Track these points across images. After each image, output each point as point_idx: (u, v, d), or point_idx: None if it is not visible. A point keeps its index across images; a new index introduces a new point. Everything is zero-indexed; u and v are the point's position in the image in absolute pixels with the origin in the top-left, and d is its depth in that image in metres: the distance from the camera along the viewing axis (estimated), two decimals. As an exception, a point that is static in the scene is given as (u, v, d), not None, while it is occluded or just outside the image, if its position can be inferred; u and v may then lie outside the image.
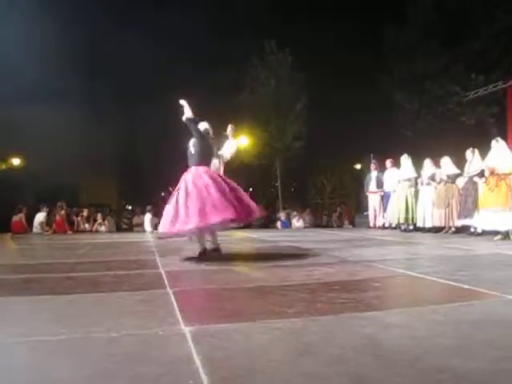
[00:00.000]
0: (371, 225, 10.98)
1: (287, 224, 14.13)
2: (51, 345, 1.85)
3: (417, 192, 9.16)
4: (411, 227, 9.18)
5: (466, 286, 2.87)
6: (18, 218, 11.79)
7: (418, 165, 9.29)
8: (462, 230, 7.91)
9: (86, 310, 2.49)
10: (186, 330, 1.99)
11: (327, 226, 16.93)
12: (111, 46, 18.31)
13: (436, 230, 8.48)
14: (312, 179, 27.50)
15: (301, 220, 14.03)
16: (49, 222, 12.10)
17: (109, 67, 19.09)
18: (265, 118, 18.76)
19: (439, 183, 8.49)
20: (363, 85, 19.24)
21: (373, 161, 11.76)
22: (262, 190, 26.51)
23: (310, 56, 18.78)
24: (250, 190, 27.94)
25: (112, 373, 1.51)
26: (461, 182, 8.08)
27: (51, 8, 16.28)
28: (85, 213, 13.36)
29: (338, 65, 19.65)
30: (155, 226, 9.82)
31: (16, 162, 20.96)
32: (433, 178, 8.65)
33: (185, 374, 1.49)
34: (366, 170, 13.50)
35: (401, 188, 9.37)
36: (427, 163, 8.94)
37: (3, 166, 20.73)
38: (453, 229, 8.18)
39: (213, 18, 19.20)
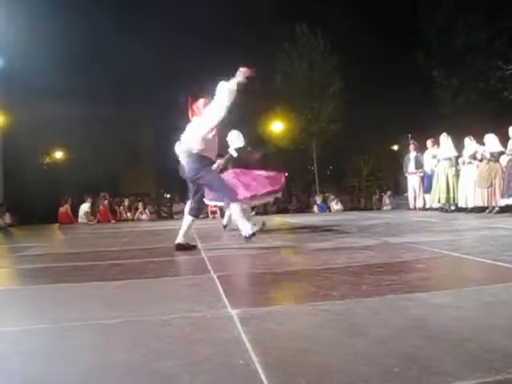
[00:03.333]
0: (411, 206, 10.78)
1: (324, 207, 14.05)
2: (106, 328, 1.94)
3: (458, 171, 8.91)
4: (453, 207, 8.95)
5: (514, 266, 2.80)
6: (64, 209, 12.26)
7: (457, 144, 9.01)
8: (507, 210, 7.65)
9: (136, 295, 2.59)
10: (233, 312, 2.03)
11: (365, 208, 16.74)
12: (148, 40, 18.50)
13: (479, 209, 8.23)
14: (348, 162, 27.13)
15: (339, 203, 13.92)
16: (93, 212, 12.52)
17: (143, 62, 19.32)
18: (299, 102, 18.60)
19: (481, 161, 8.21)
20: (399, 62, 18.69)
21: (412, 141, 11.49)
22: (298, 174, 26.38)
23: (342, 37, 18.37)
24: (286, 174, 27.91)
25: (165, 353, 1.58)
26: (504, 160, 7.79)
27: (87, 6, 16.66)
28: (126, 202, 13.74)
29: (372, 44, 19.16)
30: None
31: (59, 155, 21.71)
32: (474, 156, 8.37)
33: (235, 354, 1.53)
34: (403, 151, 13.21)
35: (441, 168, 9.13)
36: (468, 141, 8.66)
37: (47, 160, 21.51)
38: (497, 208, 7.91)
39: (242, 4, 19.01)
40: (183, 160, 5.15)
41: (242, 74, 4.31)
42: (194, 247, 4.52)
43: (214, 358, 1.51)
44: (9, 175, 13.81)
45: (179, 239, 4.43)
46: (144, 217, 13.20)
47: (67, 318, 2.10)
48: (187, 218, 4.54)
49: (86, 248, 5.17)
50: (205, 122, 4.42)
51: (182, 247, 4.36)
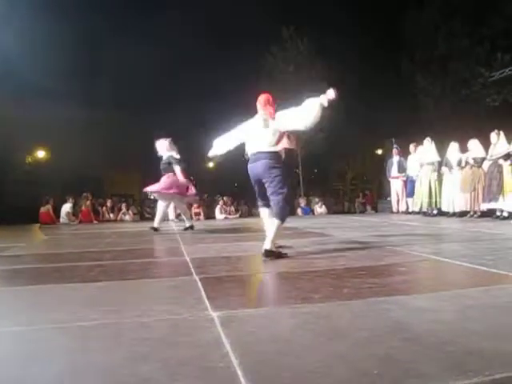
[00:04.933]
0: (394, 210, 10.89)
1: (307, 210, 14.10)
2: (83, 330, 1.91)
3: (440, 176, 9.03)
4: (435, 212, 9.06)
5: (494, 270, 2.84)
6: (46, 209, 12.07)
7: (440, 149, 9.13)
8: (488, 214, 7.78)
9: (117, 297, 2.56)
10: (214, 315, 2.02)
11: (349, 211, 16.85)
12: (140, 40, 18.36)
13: (460, 214, 8.35)
14: (333, 165, 27.28)
15: (323, 206, 13.98)
16: (75, 212, 12.36)
17: (132, 63, 19.18)
18: (284, 106, 18.65)
19: (464, 167, 8.33)
20: (383, 69, 18.90)
21: (395, 145, 11.60)
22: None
23: (328, 42, 18.51)
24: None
25: (145, 356, 1.56)
26: (486, 165, 7.92)
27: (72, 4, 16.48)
28: (109, 203, 13.60)
29: (356, 49, 19.33)
30: (178, 215, 9.93)
31: (41, 154, 21.38)
32: (459, 162, 8.49)
33: (215, 357, 1.52)
34: (387, 156, 13.34)
35: (424, 172, 9.24)
36: (453, 147, 8.78)
37: (29, 159, 21.18)
38: (478, 213, 8.04)
39: (230, 5, 19.01)
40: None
41: (330, 95, 4.14)
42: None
43: (194, 361, 1.50)
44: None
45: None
46: (127, 217, 13.08)
47: (44, 320, 2.06)
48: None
49: (66, 249, 5.10)
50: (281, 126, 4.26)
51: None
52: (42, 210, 12.08)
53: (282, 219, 3.85)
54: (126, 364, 1.49)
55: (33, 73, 13.90)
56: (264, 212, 4.21)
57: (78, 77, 17.19)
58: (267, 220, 4.12)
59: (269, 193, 3.95)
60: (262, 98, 4.41)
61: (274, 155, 4.03)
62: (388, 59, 18.78)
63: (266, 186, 3.96)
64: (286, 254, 3.80)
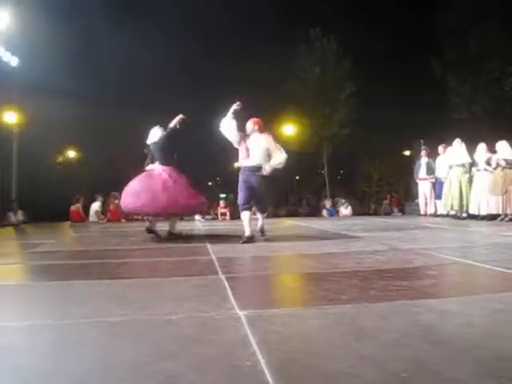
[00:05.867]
0: (422, 212, 10.69)
1: (333, 212, 13.99)
2: (112, 326, 1.95)
3: (470, 178, 8.83)
4: (464, 214, 8.86)
5: (526, 275, 2.76)
6: (76, 207, 12.37)
7: (471, 150, 8.92)
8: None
9: (144, 294, 2.60)
10: (241, 314, 2.03)
11: (375, 213, 16.65)
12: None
13: (491, 217, 8.14)
14: (359, 167, 27.01)
15: (349, 207, 13.85)
16: (104, 210, 12.60)
17: (158, 62, 19.41)
18: (311, 106, 18.56)
19: (495, 168, 8.12)
20: (413, 68, 18.59)
21: (423, 147, 11.39)
22: (308, 178, 26.33)
23: (356, 42, 18.35)
24: (297, 178, 27.84)
25: (172, 353, 1.58)
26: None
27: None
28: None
29: (385, 49, 19.11)
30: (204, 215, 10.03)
31: (72, 154, 21.89)
32: (488, 162, 8.28)
33: (242, 355, 1.53)
34: (415, 157, 13.11)
35: (453, 174, 9.05)
36: (481, 148, 8.57)
37: (60, 159, 21.70)
38: (510, 216, 7.82)
39: (258, 7, 19.02)
40: None
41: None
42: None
43: (220, 359, 1.51)
44: (22, 173, 13.96)
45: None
46: (154, 217, 13.24)
47: (75, 315, 2.11)
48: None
49: (95, 246, 5.20)
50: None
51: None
52: (73, 208, 12.38)
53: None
54: (154, 360, 1.52)
55: (62, 74, 14.23)
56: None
57: (107, 78, 17.51)
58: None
59: None
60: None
61: None
62: (418, 60, 18.47)
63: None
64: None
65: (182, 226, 8.19)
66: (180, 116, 6.06)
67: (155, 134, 6.17)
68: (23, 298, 2.68)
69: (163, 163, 5.94)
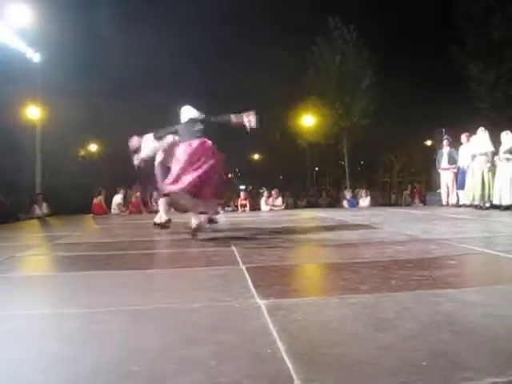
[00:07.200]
0: (444, 203, 10.56)
1: (354, 203, 13.91)
2: (137, 313, 2.00)
3: (494, 167, 8.65)
4: (487, 204, 8.70)
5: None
6: (98, 200, 12.59)
7: (494, 139, 8.74)
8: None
9: (167, 283, 2.65)
10: (261, 303, 2.06)
11: (396, 204, 16.48)
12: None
13: (515, 207, 7.98)
14: (380, 157, 26.75)
15: (368, 198, 13.73)
16: (125, 203, 12.79)
17: (178, 56, 19.48)
18: (330, 97, 18.41)
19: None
20: (433, 57, 18.28)
21: (445, 136, 11.21)
22: (329, 168, 26.22)
23: (375, 31, 18.10)
24: (317, 169, 27.72)
25: (195, 340, 1.61)
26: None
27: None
28: (155, 195, 13.98)
29: (405, 37, 18.78)
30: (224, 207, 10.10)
31: (93, 148, 22.24)
32: (511, 151, 8.10)
33: (263, 343, 1.55)
34: (437, 147, 12.90)
35: (476, 163, 8.88)
36: (505, 136, 8.39)
37: (82, 152, 22.07)
38: (534, 206, 7.66)
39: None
40: None
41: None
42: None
43: (242, 346, 1.53)
44: (46, 167, 14.26)
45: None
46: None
47: (100, 304, 2.17)
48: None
49: (117, 238, 5.30)
50: None
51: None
52: (95, 201, 12.60)
53: None
54: (178, 347, 1.55)
55: (84, 69, 14.43)
56: None
57: (129, 73, 17.69)
58: None
59: None
60: None
61: None
62: (438, 48, 18.14)
63: None
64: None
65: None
66: (250, 117, 4.86)
67: (192, 112, 5.27)
68: (49, 288, 2.76)
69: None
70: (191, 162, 4.64)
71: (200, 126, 4.96)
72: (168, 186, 4.76)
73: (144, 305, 2.11)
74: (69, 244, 4.90)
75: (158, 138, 5.45)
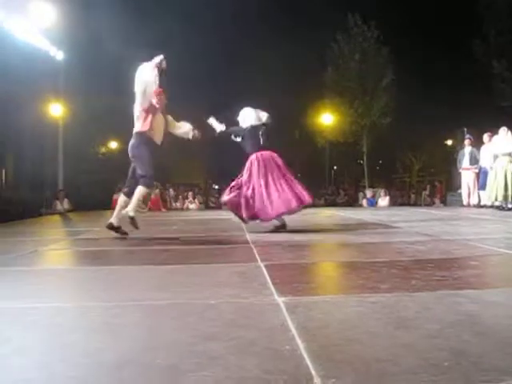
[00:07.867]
0: (465, 203, 10.39)
1: (373, 202, 13.80)
2: (155, 308, 2.03)
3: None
4: (510, 205, 8.53)
5: None
6: (118, 196, 12.73)
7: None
8: None
9: (185, 279, 2.67)
10: (280, 300, 2.06)
11: (415, 204, 16.29)
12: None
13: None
14: (399, 156, 26.44)
15: (387, 198, 13.60)
16: (144, 200, 12.89)
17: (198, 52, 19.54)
18: (350, 95, 18.25)
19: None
20: (454, 54, 17.94)
21: (467, 135, 11.02)
22: (347, 167, 26.03)
23: (395, 28, 17.85)
24: (335, 168, 27.54)
25: (214, 335, 1.62)
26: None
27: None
28: (171, 192, 14.16)
29: (425, 34, 18.49)
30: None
31: (114, 145, 22.50)
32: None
33: (281, 340, 1.55)
34: (458, 146, 12.70)
35: (499, 163, 8.71)
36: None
37: (103, 149, 22.35)
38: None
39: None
40: None
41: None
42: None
43: (260, 343, 1.54)
44: (67, 163, 14.48)
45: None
46: (193, 206, 13.49)
47: (120, 298, 2.20)
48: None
49: (137, 234, 5.35)
50: None
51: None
52: (115, 197, 12.73)
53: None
54: (196, 342, 1.56)
55: (103, 67, 14.60)
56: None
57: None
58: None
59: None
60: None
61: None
62: (460, 44, 17.81)
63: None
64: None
65: (220, 216, 8.30)
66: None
67: (253, 116, 5.36)
68: (71, 282, 2.81)
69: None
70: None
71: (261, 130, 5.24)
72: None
73: (163, 300, 2.13)
74: (90, 239, 4.98)
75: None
